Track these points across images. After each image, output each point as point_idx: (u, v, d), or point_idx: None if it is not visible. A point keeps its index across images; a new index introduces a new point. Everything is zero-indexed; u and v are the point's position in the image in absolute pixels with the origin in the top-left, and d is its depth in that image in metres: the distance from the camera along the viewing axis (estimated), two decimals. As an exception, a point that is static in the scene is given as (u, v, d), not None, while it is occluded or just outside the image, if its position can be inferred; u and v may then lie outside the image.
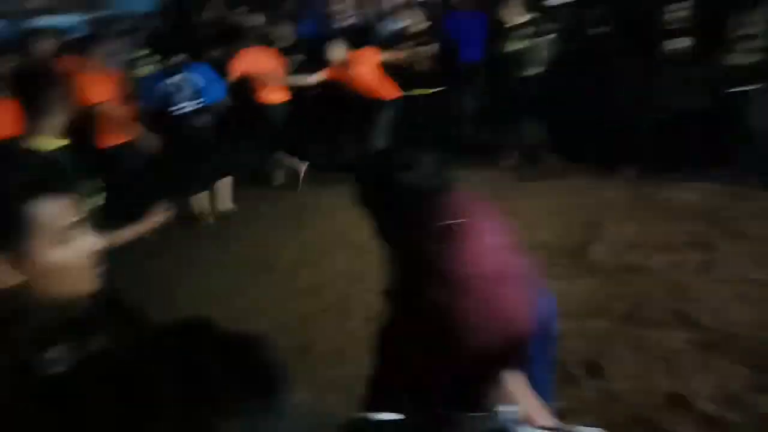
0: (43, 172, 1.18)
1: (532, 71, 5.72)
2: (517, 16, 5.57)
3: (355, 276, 3.88)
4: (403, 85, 5.96)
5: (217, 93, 5.18)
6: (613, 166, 5.22)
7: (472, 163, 5.35)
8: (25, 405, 0.84)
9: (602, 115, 5.21)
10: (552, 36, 5.68)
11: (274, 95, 5.65)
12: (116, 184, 3.75)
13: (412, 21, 6.13)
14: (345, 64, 5.61)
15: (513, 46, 5.60)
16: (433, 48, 5.96)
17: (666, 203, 4.66)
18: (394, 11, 6.38)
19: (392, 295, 0.80)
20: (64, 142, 2.42)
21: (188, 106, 4.93)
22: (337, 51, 5.63)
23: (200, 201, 5.17)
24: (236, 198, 5.48)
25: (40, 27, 7.19)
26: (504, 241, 0.76)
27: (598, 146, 5.18)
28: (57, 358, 0.97)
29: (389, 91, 5.86)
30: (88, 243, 1.10)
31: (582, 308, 3.27)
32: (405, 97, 6.00)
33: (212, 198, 5.28)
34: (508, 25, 5.59)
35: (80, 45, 4.94)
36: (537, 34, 5.59)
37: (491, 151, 6.01)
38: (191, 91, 4.94)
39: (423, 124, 5.99)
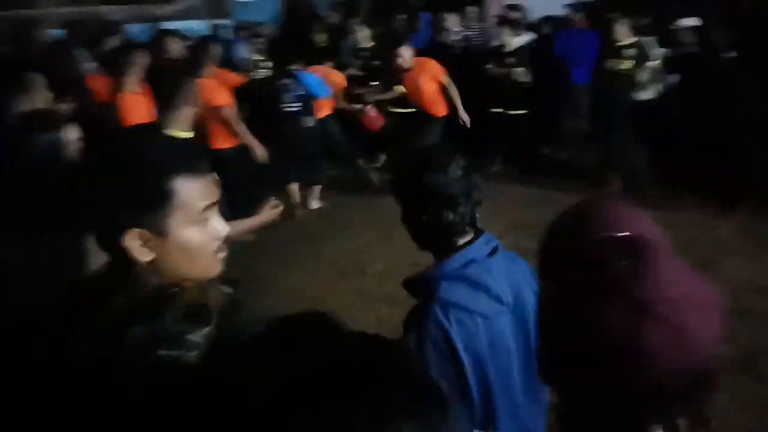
0: (185, 153, 1.11)
1: (642, 94, 5.48)
2: (624, 36, 5.32)
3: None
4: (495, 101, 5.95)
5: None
6: (729, 199, 4.82)
7: (569, 188, 5.15)
8: (170, 385, 0.86)
9: (719, 143, 4.82)
10: (661, 59, 5.41)
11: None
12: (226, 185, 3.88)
13: (514, 39, 6.05)
14: (409, 71, 5.66)
15: (619, 65, 5.35)
16: (524, 68, 5.85)
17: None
18: (500, 28, 6.31)
19: (544, 312, 0.73)
20: (191, 134, 2.65)
21: (294, 107, 5.25)
22: (406, 54, 5.62)
23: (293, 194, 5.50)
24: (333, 201, 5.67)
25: (170, 30, 7.84)
26: (686, 266, 0.68)
27: (712, 177, 4.80)
28: (197, 341, 0.97)
29: (439, 107, 5.78)
30: (220, 228, 1.09)
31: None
32: (493, 114, 5.99)
33: (306, 195, 5.61)
34: (617, 44, 5.35)
35: (205, 49, 5.24)
36: (645, 56, 5.31)
37: (593, 176, 5.74)
38: (298, 95, 5.27)
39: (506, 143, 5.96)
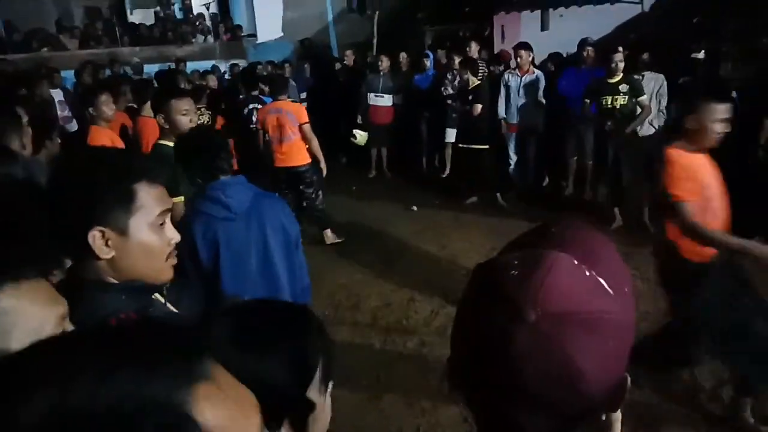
0: (145, 162, 1.27)
1: (642, 130, 5.45)
2: (617, 72, 5.30)
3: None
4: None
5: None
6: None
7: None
8: None
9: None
10: (655, 94, 5.38)
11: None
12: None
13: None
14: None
15: (615, 102, 5.31)
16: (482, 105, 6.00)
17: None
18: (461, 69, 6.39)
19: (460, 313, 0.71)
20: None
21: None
22: None
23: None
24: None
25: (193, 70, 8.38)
26: (597, 285, 0.64)
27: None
28: None
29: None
30: (173, 235, 1.20)
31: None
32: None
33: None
34: (610, 81, 5.32)
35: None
36: (638, 91, 5.27)
37: (594, 212, 5.63)
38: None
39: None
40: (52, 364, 0.44)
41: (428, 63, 7.66)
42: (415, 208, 6.33)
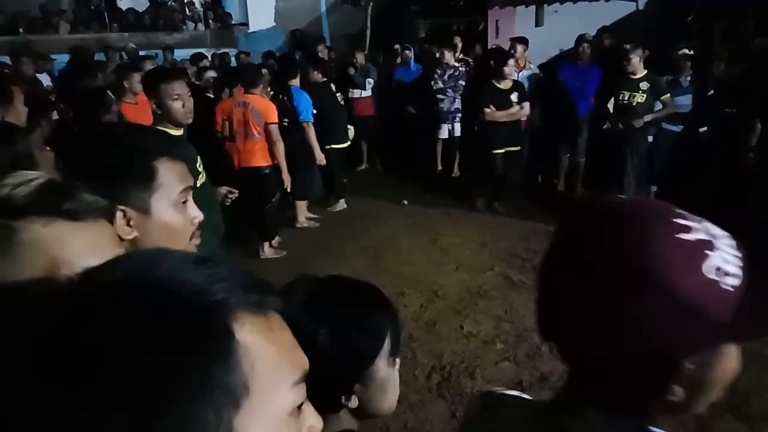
0: (166, 140, 1.24)
1: (648, 128, 5.48)
2: (639, 69, 5.31)
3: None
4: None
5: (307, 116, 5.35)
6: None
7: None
8: None
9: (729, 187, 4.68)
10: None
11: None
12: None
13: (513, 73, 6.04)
14: None
15: (634, 99, 5.32)
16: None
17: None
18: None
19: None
20: (179, 132, 2.81)
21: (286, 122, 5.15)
22: None
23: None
24: (322, 229, 5.60)
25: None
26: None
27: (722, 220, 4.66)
28: None
29: None
30: (196, 213, 1.16)
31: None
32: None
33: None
34: (632, 77, 5.32)
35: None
36: (661, 89, 5.30)
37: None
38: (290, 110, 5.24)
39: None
40: None
41: (409, 55, 7.60)
42: (405, 202, 6.30)
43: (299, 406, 0.50)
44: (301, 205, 5.75)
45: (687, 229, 0.62)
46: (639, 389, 0.64)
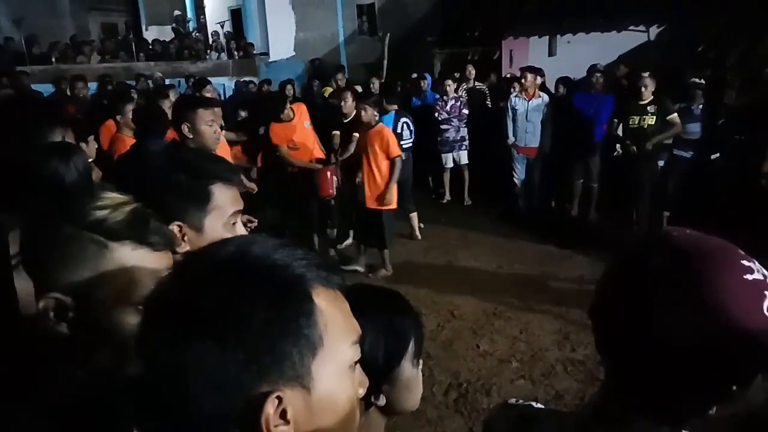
0: (222, 165, 1.31)
1: (658, 150, 5.61)
2: (649, 94, 5.48)
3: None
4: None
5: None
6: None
7: (575, 246, 5.15)
8: None
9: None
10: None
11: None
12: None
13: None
14: None
15: (641, 121, 5.48)
16: None
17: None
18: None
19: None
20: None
21: None
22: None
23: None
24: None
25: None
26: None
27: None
28: None
29: None
30: (242, 232, 1.26)
31: None
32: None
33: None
34: (641, 102, 5.49)
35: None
36: (668, 110, 5.45)
37: (606, 238, 5.73)
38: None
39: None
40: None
41: (425, 85, 7.73)
42: (421, 225, 6.43)
43: (355, 363, 0.64)
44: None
45: (750, 271, 0.67)
46: (684, 405, 0.71)
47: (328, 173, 5.26)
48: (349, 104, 5.58)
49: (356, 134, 5.36)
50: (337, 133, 5.75)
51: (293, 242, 0.64)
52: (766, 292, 0.66)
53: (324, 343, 0.58)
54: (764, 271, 0.68)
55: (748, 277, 0.66)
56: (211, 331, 0.54)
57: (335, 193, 5.34)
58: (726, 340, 0.64)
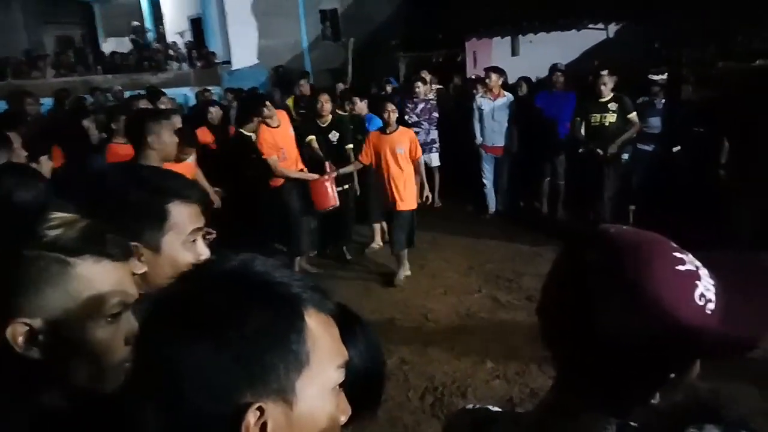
0: (179, 182, 1.24)
1: (622, 150, 5.68)
2: (608, 92, 5.56)
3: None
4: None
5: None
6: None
7: (546, 243, 5.20)
8: None
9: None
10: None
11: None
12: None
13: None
14: None
15: (604, 120, 5.55)
16: None
17: None
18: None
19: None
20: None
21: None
22: None
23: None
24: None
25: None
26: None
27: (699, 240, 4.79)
28: None
29: None
30: (204, 251, 1.20)
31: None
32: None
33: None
34: (601, 100, 5.56)
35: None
36: (627, 109, 5.53)
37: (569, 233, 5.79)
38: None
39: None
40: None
41: (389, 89, 7.69)
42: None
43: (340, 387, 0.66)
44: None
45: (682, 262, 0.70)
46: (627, 394, 0.73)
47: (326, 183, 5.01)
48: (326, 107, 5.44)
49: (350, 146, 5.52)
50: (313, 137, 5.50)
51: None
52: (697, 282, 0.69)
53: (310, 361, 0.61)
54: (696, 262, 0.71)
55: (680, 267, 0.69)
56: (208, 331, 0.58)
57: (337, 203, 5.09)
58: (660, 330, 0.67)
